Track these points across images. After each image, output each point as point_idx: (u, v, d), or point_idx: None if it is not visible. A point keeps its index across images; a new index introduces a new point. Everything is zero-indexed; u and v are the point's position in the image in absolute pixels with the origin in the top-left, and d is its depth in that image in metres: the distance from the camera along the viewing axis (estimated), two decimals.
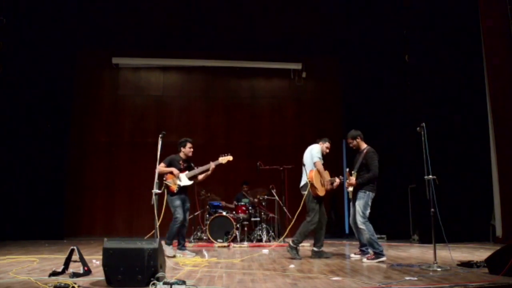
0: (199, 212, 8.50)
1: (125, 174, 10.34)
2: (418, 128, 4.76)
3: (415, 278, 3.79)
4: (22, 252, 6.32)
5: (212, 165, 5.99)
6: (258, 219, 8.36)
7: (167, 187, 5.81)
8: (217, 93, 11.15)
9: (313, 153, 5.71)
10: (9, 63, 8.68)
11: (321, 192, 5.57)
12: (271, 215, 8.46)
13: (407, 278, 3.81)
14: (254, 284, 3.62)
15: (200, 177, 6.13)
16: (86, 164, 10.43)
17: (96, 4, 9.68)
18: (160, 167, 5.65)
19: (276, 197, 8.17)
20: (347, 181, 5.57)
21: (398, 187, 8.89)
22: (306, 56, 11.19)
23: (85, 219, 10.16)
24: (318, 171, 5.62)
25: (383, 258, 5.13)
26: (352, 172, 5.58)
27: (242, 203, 8.57)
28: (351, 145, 5.72)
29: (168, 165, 5.94)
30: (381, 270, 4.39)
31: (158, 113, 10.91)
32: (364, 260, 5.27)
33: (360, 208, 5.35)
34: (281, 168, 8.50)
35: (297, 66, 11.09)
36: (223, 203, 8.88)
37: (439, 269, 4.26)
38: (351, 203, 5.64)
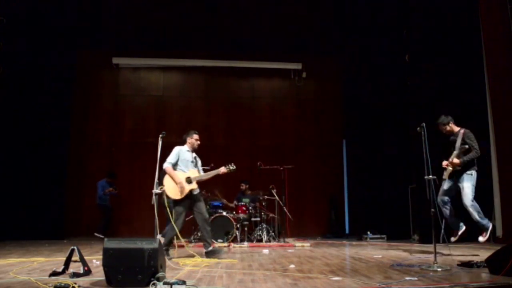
0: None
1: (125, 174, 10.34)
2: (418, 128, 4.76)
3: (415, 278, 3.79)
4: (22, 252, 6.32)
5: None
6: (258, 219, 8.36)
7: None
8: (217, 93, 11.15)
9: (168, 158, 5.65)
10: (9, 63, 8.68)
11: (176, 195, 5.51)
12: (271, 215, 8.46)
13: (407, 278, 3.81)
14: (254, 284, 3.62)
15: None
16: (86, 164, 10.44)
17: (96, 4, 9.68)
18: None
19: (276, 197, 8.17)
20: (446, 162, 5.48)
21: (398, 187, 8.89)
22: (306, 56, 11.19)
23: (85, 219, 10.16)
24: (170, 176, 5.55)
25: (490, 227, 5.29)
26: (454, 153, 5.48)
27: (242, 203, 8.57)
28: (444, 131, 5.68)
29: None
30: (381, 270, 4.39)
31: (158, 113, 10.92)
32: (480, 239, 5.36)
33: (470, 190, 5.35)
34: (281, 168, 8.50)
35: (297, 66, 11.09)
36: (224, 201, 8.89)
37: (439, 269, 4.25)
38: (444, 181, 5.57)
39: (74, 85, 10.34)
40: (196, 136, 5.84)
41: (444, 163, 5.53)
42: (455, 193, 5.52)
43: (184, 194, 5.52)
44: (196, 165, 5.80)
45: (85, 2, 9.62)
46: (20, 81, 9.13)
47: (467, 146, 5.40)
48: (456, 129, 5.64)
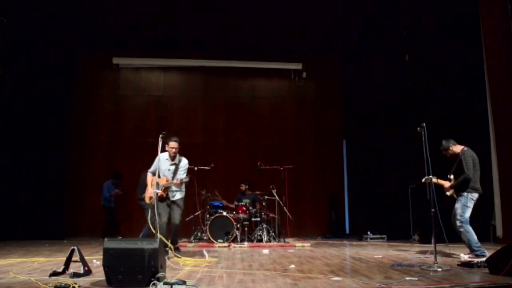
0: (199, 212, 8.51)
1: (125, 174, 10.33)
2: (418, 128, 4.76)
3: (415, 278, 3.79)
4: (22, 252, 6.32)
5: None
6: (258, 219, 8.36)
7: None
8: (217, 93, 11.15)
9: None
10: (9, 63, 8.68)
11: (147, 199, 5.85)
12: (271, 215, 8.46)
13: (407, 278, 3.81)
14: (254, 284, 3.62)
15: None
16: (87, 164, 10.44)
17: (96, 4, 9.67)
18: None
19: (277, 197, 8.17)
20: (445, 185, 5.55)
21: (398, 187, 8.89)
22: (306, 56, 11.19)
23: (85, 219, 10.17)
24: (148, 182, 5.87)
25: (482, 259, 4.70)
26: (450, 176, 5.56)
27: (243, 203, 8.57)
28: (448, 155, 5.64)
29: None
30: (381, 270, 4.39)
31: (158, 113, 10.92)
32: (462, 255, 5.31)
33: (458, 211, 5.35)
34: (281, 168, 8.50)
35: (297, 66, 11.09)
36: (224, 202, 8.89)
37: (439, 269, 4.26)
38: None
39: (74, 85, 10.35)
40: (172, 144, 5.78)
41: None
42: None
43: (151, 200, 5.60)
44: (174, 173, 5.80)
45: (85, 2, 9.61)
46: (20, 81, 9.12)
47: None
48: (459, 149, 5.55)
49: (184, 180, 5.70)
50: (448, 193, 5.55)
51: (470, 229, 5.26)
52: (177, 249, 5.88)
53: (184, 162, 5.91)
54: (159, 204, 5.53)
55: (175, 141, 5.79)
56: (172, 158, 5.84)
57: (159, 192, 5.46)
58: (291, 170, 8.90)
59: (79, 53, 10.60)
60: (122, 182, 9.70)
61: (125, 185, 9.72)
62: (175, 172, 5.80)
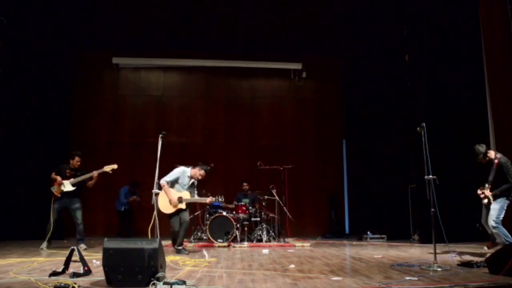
0: (199, 212, 8.51)
1: (125, 174, 10.32)
2: (418, 128, 4.75)
3: (415, 278, 3.79)
4: (22, 252, 6.32)
5: (95, 173, 6.64)
6: (258, 219, 8.36)
7: (52, 193, 6.74)
8: (217, 93, 11.15)
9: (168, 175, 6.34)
10: (9, 63, 8.67)
11: (166, 210, 6.22)
12: (271, 215, 8.45)
13: (407, 278, 3.81)
14: (254, 284, 3.62)
15: (90, 183, 6.84)
16: (86, 164, 10.39)
17: (96, 4, 9.68)
18: (52, 175, 6.79)
19: (276, 197, 8.17)
20: (483, 192, 5.66)
21: (398, 187, 8.89)
22: (306, 56, 11.19)
23: (85, 219, 10.09)
24: (164, 191, 6.18)
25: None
26: (486, 185, 5.66)
27: (242, 203, 8.56)
28: (484, 162, 5.75)
29: (56, 173, 6.82)
30: (381, 270, 4.39)
31: (158, 113, 10.92)
32: (485, 248, 5.59)
33: (495, 212, 5.47)
34: (281, 168, 8.50)
35: (297, 66, 11.10)
36: (224, 203, 8.87)
37: (439, 269, 4.25)
38: (484, 208, 5.81)
39: (74, 85, 10.34)
40: (203, 173, 6.49)
41: (479, 191, 5.70)
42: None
43: (174, 210, 6.24)
44: (190, 188, 6.47)
45: (85, 2, 9.61)
46: (20, 81, 9.11)
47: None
48: (493, 156, 5.66)
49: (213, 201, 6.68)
50: (484, 201, 5.67)
51: (504, 229, 5.44)
52: (183, 249, 6.28)
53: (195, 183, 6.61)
54: (173, 216, 6.25)
55: (205, 170, 6.50)
56: (196, 178, 6.51)
57: (184, 207, 6.25)
58: (291, 170, 8.90)
59: (79, 52, 10.59)
60: (122, 182, 9.71)
61: (124, 185, 9.73)
62: (191, 188, 6.50)
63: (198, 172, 6.46)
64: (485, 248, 5.89)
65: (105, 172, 6.78)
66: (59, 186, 6.78)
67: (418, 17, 8.33)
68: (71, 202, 6.88)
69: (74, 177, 6.79)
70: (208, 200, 6.60)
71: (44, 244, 6.67)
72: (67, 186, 6.75)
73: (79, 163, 6.98)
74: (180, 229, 6.23)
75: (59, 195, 6.78)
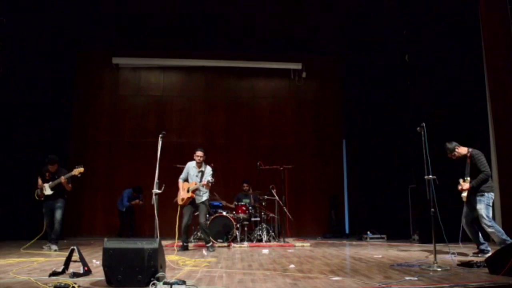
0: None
1: (125, 174, 10.34)
2: (418, 128, 4.76)
3: (415, 278, 3.79)
4: (22, 252, 6.32)
5: (62, 178, 6.68)
6: (258, 219, 8.36)
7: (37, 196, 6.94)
8: (217, 93, 11.15)
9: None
10: (9, 63, 8.67)
11: (179, 202, 6.76)
12: (271, 215, 8.46)
13: (407, 278, 3.81)
14: (254, 284, 3.62)
15: (68, 186, 6.88)
16: (86, 164, 10.37)
17: (96, 4, 9.68)
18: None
19: (276, 197, 8.17)
20: (460, 186, 5.64)
21: (398, 187, 8.89)
22: (306, 56, 11.19)
23: (85, 219, 10.17)
24: (179, 187, 6.78)
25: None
26: (465, 178, 5.63)
27: (242, 203, 8.56)
28: (454, 158, 5.75)
29: (39, 175, 6.97)
30: (381, 270, 4.39)
31: (158, 113, 10.92)
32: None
33: (483, 212, 5.41)
34: (281, 168, 8.50)
35: (297, 66, 11.10)
36: (224, 203, 8.88)
37: (439, 269, 4.25)
38: (464, 205, 5.73)
39: (74, 85, 10.34)
40: (197, 153, 6.79)
41: (459, 187, 5.67)
42: (477, 214, 5.55)
43: (183, 201, 6.67)
44: (201, 178, 6.73)
45: (85, 2, 9.61)
46: (20, 81, 9.11)
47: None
48: (464, 151, 5.68)
49: (210, 181, 6.55)
50: (463, 195, 5.62)
51: (498, 227, 5.40)
52: (211, 247, 6.69)
53: (209, 169, 6.85)
54: (184, 206, 6.69)
55: (200, 150, 6.82)
56: (199, 165, 6.79)
57: (189, 195, 6.64)
58: (291, 170, 8.90)
59: (79, 52, 10.59)
60: (123, 183, 9.73)
61: (124, 185, 9.74)
62: (201, 178, 6.73)
63: (195, 156, 6.78)
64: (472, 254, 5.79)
65: (75, 176, 6.78)
66: (41, 190, 6.90)
67: (418, 17, 8.33)
68: (54, 202, 6.92)
69: (52, 180, 6.87)
70: (193, 184, 6.67)
71: (54, 247, 6.69)
72: (47, 189, 6.87)
73: (54, 167, 6.92)
74: (200, 228, 6.98)
75: (42, 198, 6.92)
